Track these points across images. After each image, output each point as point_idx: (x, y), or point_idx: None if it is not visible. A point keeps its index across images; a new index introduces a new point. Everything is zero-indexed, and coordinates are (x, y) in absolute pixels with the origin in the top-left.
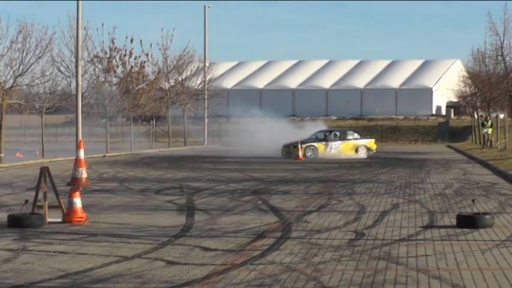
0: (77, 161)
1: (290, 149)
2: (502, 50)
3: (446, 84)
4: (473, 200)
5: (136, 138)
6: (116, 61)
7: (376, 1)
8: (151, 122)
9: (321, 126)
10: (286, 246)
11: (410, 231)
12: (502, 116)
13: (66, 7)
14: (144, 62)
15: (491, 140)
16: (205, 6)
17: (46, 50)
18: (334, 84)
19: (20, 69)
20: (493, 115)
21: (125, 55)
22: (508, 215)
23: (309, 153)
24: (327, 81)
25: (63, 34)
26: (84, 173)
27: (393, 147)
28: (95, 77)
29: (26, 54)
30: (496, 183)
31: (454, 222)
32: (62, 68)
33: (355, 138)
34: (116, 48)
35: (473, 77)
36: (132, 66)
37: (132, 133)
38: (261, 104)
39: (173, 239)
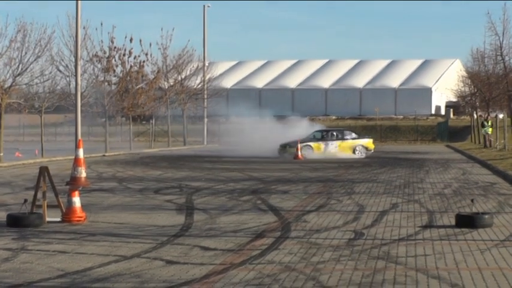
0: (76, 161)
1: (286, 149)
2: (501, 50)
3: (446, 84)
4: (472, 200)
5: (135, 138)
6: (115, 60)
7: (376, 1)
8: (151, 121)
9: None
10: (285, 246)
11: (410, 230)
12: (501, 116)
13: (65, 6)
14: (144, 61)
15: (490, 140)
16: (204, 6)
17: (45, 49)
18: (334, 84)
19: (19, 69)
20: (492, 115)
21: (124, 54)
22: (507, 215)
23: (305, 153)
24: (326, 81)
25: (63, 33)
26: (83, 173)
27: (392, 147)
28: (94, 77)
29: (25, 53)
30: (495, 183)
31: (453, 222)
32: (61, 68)
33: (353, 138)
34: (115, 47)
35: (473, 76)
36: (131, 66)
37: (132, 132)
38: (260, 104)
39: (172, 239)
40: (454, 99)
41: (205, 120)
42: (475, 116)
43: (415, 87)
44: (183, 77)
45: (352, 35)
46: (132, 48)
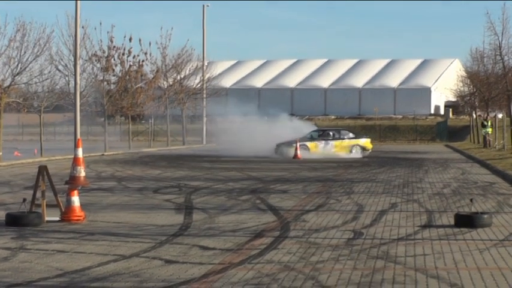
0: (75, 160)
1: (282, 148)
2: (500, 49)
3: (445, 84)
4: (471, 200)
5: (134, 137)
6: (114, 60)
7: (376, 1)
8: (150, 121)
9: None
10: (285, 246)
11: (409, 230)
12: (500, 115)
13: (64, 6)
14: (143, 60)
15: (489, 140)
16: (204, 5)
17: (44, 49)
18: (333, 84)
19: (18, 68)
20: (492, 115)
21: (123, 54)
22: (506, 215)
23: (302, 153)
24: (325, 81)
25: (62, 33)
26: (82, 172)
27: (391, 147)
28: (93, 76)
29: (24, 52)
30: (494, 183)
31: (452, 222)
32: (60, 67)
33: (350, 138)
34: (114, 47)
35: (472, 76)
36: (130, 65)
37: (131, 132)
38: (259, 103)
39: (171, 238)
40: (453, 99)
41: (205, 119)
42: (474, 115)
43: (414, 87)
44: (182, 76)
45: (352, 35)
46: (131, 48)
